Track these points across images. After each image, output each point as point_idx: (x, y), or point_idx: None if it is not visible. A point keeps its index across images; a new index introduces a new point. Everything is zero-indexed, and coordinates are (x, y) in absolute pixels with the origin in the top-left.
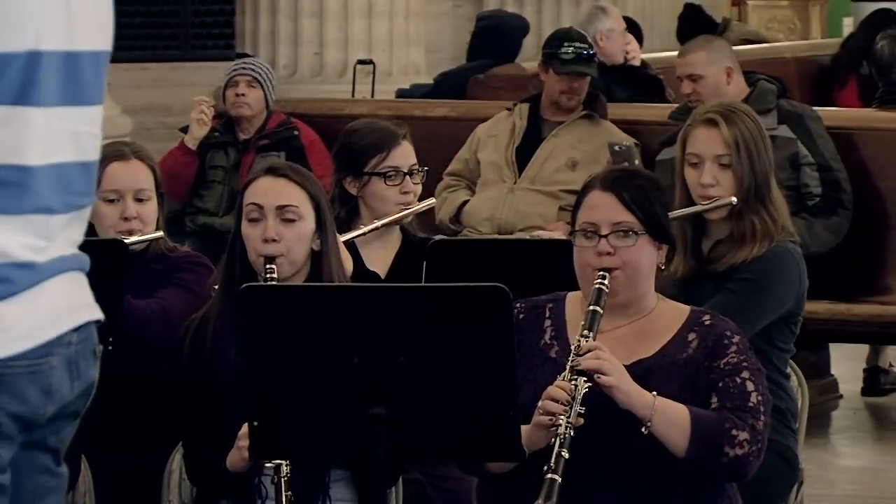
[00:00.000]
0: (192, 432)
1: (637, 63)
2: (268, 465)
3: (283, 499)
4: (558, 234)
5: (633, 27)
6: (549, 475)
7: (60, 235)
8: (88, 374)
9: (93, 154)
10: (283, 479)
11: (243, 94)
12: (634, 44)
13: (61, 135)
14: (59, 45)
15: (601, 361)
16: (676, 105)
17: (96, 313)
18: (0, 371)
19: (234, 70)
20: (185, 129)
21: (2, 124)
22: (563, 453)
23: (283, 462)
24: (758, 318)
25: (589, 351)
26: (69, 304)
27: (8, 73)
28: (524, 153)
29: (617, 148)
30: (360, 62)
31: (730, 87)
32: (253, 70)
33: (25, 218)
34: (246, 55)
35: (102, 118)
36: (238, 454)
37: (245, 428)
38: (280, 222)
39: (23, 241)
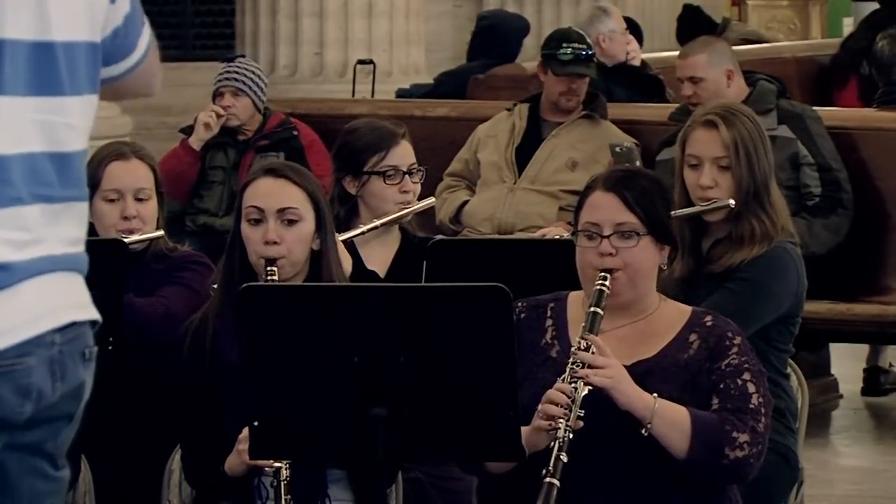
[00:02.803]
0: (190, 434)
1: (637, 63)
2: (267, 468)
3: (283, 502)
4: (560, 229)
5: (633, 27)
6: (548, 479)
7: (46, 232)
8: (76, 375)
9: (72, 145)
10: (282, 483)
11: (230, 106)
12: (634, 44)
13: (31, 125)
14: (25, 35)
15: (599, 367)
16: (676, 105)
17: (87, 314)
18: None
19: (219, 81)
20: (185, 130)
21: None
22: (561, 457)
23: (283, 466)
24: (755, 319)
25: (588, 356)
26: (51, 305)
27: None
28: (524, 153)
29: (618, 149)
30: (360, 62)
31: (730, 90)
32: (236, 79)
33: (3, 211)
34: (235, 57)
35: (102, 117)
36: (238, 458)
37: (245, 432)
38: (281, 224)
39: (3, 237)
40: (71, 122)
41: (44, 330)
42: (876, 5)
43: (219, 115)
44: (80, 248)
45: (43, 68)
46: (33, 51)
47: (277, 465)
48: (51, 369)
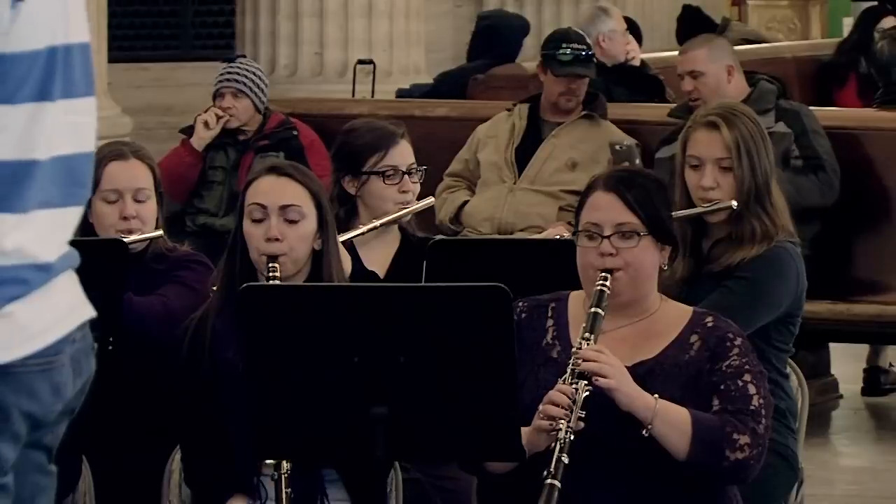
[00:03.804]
0: (189, 434)
1: (637, 63)
2: (268, 461)
3: (284, 496)
4: (560, 229)
5: (632, 27)
6: (549, 481)
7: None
8: (88, 370)
9: (93, 145)
10: (283, 476)
11: (230, 107)
12: (634, 44)
13: (64, 127)
14: (62, 40)
15: (601, 364)
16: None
17: (92, 310)
18: (17, 370)
19: (220, 81)
20: (185, 130)
21: (29, 121)
22: (562, 458)
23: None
24: (754, 318)
25: (590, 355)
26: (73, 302)
27: (35, 70)
28: (524, 153)
29: (618, 147)
30: (360, 62)
31: (730, 86)
32: (237, 80)
33: (38, 213)
34: (235, 57)
35: (102, 117)
36: None
37: None
38: (283, 222)
39: (39, 236)
40: (92, 122)
41: (73, 327)
42: (873, 3)
43: (219, 117)
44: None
45: (70, 71)
46: (63, 54)
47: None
48: (73, 366)
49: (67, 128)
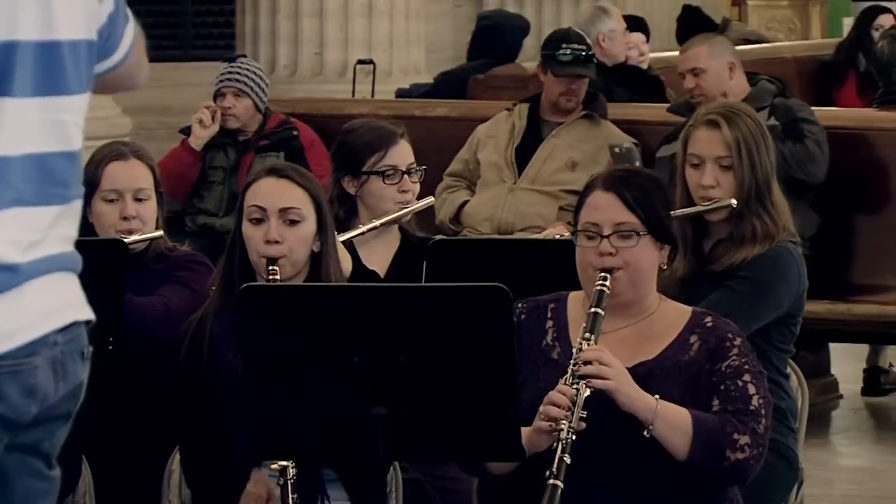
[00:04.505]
0: (188, 436)
1: (645, 65)
2: (273, 466)
3: (290, 501)
4: (561, 228)
5: (639, 24)
6: (552, 481)
7: (51, 231)
8: (76, 375)
9: (78, 144)
10: (289, 482)
11: (230, 107)
12: (645, 46)
13: (38, 125)
14: (33, 35)
15: (602, 366)
16: None
17: (85, 314)
18: None
19: (220, 81)
20: (184, 130)
21: None
22: (564, 458)
23: (289, 464)
24: (756, 317)
25: (591, 355)
26: (54, 305)
27: None
28: (524, 153)
29: (618, 150)
30: (360, 62)
31: (732, 83)
32: (238, 80)
33: (5, 212)
34: (236, 57)
35: (102, 117)
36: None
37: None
38: (282, 224)
39: (7, 237)
40: (77, 121)
41: (49, 330)
42: (873, 3)
43: (214, 112)
44: (72, 246)
45: (51, 68)
46: (41, 50)
47: (283, 463)
48: (54, 369)
49: (44, 125)
